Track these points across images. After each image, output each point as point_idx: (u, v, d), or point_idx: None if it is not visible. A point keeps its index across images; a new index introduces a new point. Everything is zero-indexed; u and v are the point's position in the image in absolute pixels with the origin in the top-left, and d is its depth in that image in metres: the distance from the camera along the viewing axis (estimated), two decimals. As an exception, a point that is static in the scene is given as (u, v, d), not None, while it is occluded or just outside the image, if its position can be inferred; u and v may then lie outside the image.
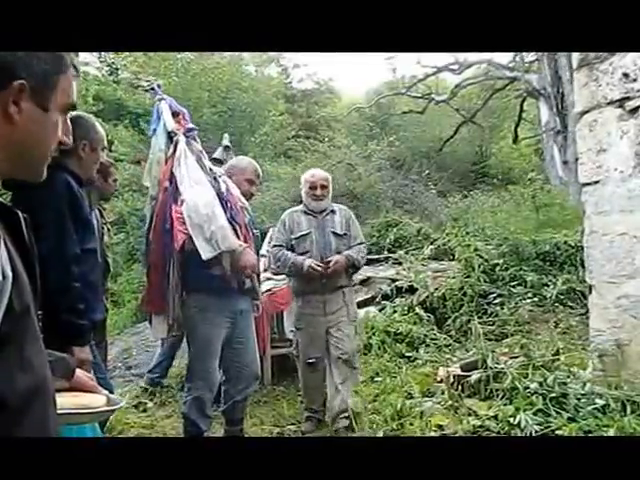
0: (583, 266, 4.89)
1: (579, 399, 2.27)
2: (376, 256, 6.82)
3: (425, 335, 4.56)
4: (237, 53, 10.74)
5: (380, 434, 2.50)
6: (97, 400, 0.95)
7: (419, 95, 12.42)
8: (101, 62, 12.22)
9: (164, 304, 2.51)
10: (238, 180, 2.76)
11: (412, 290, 5.38)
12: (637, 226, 2.49)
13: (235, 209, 2.52)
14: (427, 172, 10.72)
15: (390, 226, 7.97)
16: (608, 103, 2.62)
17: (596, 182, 2.70)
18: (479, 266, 5.23)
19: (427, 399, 2.81)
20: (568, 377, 2.46)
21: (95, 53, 10.41)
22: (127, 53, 10.01)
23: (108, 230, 2.49)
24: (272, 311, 4.10)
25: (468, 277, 5.17)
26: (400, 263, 6.21)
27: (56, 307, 1.45)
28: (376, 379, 3.63)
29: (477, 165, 13.28)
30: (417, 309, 4.92)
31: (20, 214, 0.71)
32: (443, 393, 2.81)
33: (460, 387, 2.74)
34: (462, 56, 11.59)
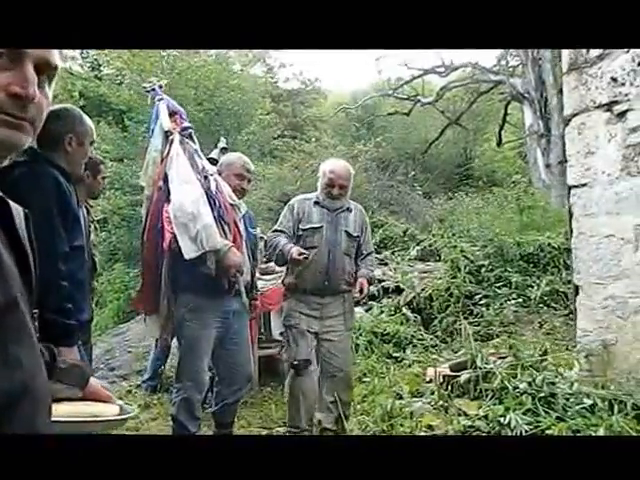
0: (566, 268, 5.00)
1: (567, 399, 2.30)
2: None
3: (412, 335, 4.59)
4: (223, 51, 10.67)
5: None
6: (109, 409, 0.90)
7: (405, 97, 12.51)
8: (84, 58, 12.02)
9: (157, 304, 2.47)
10: (227, 176, 2.72)
11: (399, 291, 5.40)
12: (624, 228, 2.53)
13: (223, 207, 2.48)
14: (413, 173, 10.80)
15: (376, 227, 7.98)
16: (596, 107, 2.66)
17: (584, 185, 2.73)
18: (465, 267, 5.28)
19: (416, 399, 2.82)
20: (556, 377, 2.49)
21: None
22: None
23: (95, 229, 2.44)
24: (260, 311, 4.06)
25: (454, 278, 5.21)
26: (386, 264, 6.23)
27: (44, 307, 1.40)
28: (364, 380, 3.63)
29: (461, 167, 13.42)
30: (404, 309, 4.95)
31: (12, 204, 0.68)
32: (432, 393, 2.82)
33: (449, 387, 2.76)
34: (448, 58, 11.73)
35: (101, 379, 4.43)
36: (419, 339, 4.54)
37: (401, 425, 2.53)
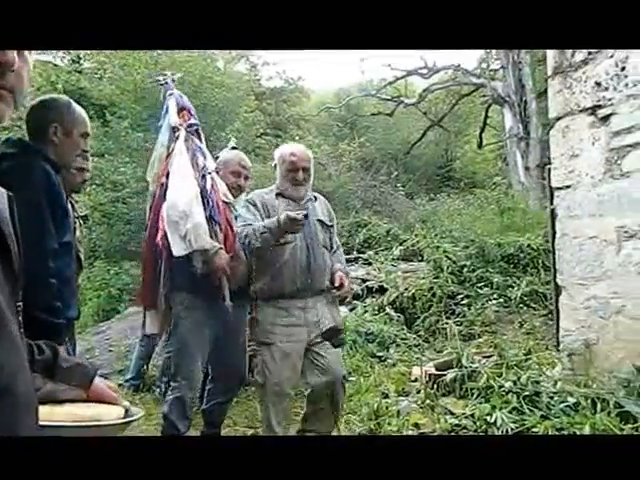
0: (546, 269, 5.09)
1: (551, 397, 2.34)
2: (346, 256, 6.83)
3: (395, 335, 4.62)
4: (207, 48, 10.57)
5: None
6: (113, 412, 0.84)
7: (388, 97, 12.59)
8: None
9: (156, 300, 2.45)
10: (224, 174, 2.70)
11: (382, 290, 5.43)
12: (606, 230, 2.58)
13: (216, 207, 2.46)
14: (395, 174, 10.88)
15: (360, 226, 8.03)
16: (581, 110, 2.71)
17: (568, 187, 2.79)
18: (447, 267, 5.34)
19: (403, 398, 2.84)
20: (540, 376, 2.54)
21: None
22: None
23: (80, 225, 2.38)
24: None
25: (437, 278, 5.26)
26: (370, 263, 6.26)
27: (32, 305, 1.36)
28: (349, 379, 3.64)
29: (443, 168, 13.59)
30: (387, 309, 4.98)
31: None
32: (418, 392, 2.85)
33: (435, 386, 2.78)
34: (431, 60, 11.85)
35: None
36: (402, 338, 4.57)
37: (388, 424, 2.54)
